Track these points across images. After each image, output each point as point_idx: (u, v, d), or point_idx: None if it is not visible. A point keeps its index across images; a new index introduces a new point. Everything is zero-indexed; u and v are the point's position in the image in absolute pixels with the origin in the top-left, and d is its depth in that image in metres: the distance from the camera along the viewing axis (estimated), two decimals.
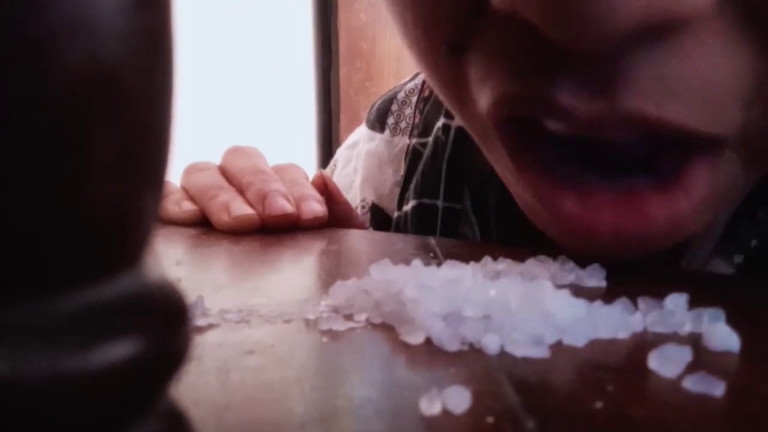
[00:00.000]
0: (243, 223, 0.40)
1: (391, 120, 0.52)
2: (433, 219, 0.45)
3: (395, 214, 0.49)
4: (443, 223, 0.45)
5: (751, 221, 0.34)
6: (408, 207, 0.47)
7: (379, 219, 0.51)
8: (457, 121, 0.45)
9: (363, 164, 0.53)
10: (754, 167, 0.28)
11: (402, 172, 0.49)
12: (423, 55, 0.31)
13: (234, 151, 0.45)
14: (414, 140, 0.49)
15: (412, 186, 0.47)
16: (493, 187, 0.44)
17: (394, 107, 0.52)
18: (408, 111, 0.51)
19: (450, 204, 0.44)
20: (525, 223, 0.42)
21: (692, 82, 0.24)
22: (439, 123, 0.46)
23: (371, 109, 0.54)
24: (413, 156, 0.48)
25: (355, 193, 0.53)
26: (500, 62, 0.27)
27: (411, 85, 0.53)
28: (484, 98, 0.29)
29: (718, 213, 0.31)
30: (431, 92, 0.49)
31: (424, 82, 0.51)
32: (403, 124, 0.51)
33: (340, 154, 0.58)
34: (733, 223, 0.35)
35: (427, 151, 0.47)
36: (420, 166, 0.47)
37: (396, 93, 0.53)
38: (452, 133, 0.45)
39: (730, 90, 0.25)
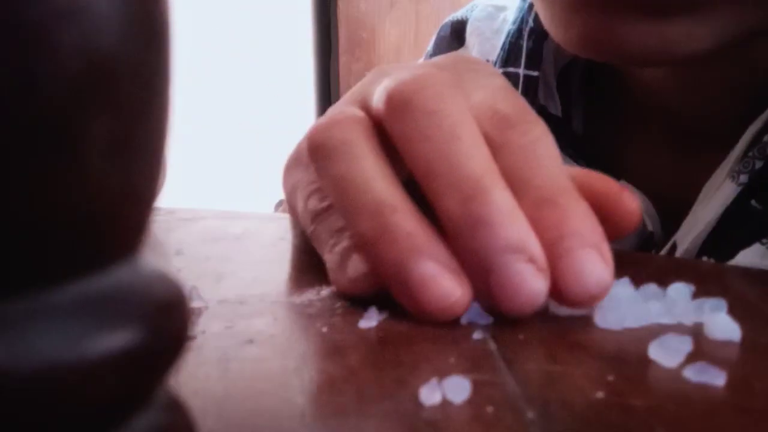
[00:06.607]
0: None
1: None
2: (515, 86, 0.46)
3: None
4: (524, 90, 0.46)
5: (757, 144, 0.36)
6: None
7: None
8: None
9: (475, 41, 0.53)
10: None
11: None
12: None
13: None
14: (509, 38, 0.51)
15: (499, 57, 0.49)
16: (577, 70, 0.47)
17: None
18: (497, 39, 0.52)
19: (528, 72, 0.47)
20: (604, 106, 0.46)
21: None
22: (525, 4, 0.49)
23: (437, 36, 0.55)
24: (504, 40, 0.50)
25: None
26: None
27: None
28: None
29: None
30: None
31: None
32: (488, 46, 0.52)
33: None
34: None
35: (512, 28, 0.49)
36: (506, 39, 0.49)
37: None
38: (534, 12, 0.47)
39: None
